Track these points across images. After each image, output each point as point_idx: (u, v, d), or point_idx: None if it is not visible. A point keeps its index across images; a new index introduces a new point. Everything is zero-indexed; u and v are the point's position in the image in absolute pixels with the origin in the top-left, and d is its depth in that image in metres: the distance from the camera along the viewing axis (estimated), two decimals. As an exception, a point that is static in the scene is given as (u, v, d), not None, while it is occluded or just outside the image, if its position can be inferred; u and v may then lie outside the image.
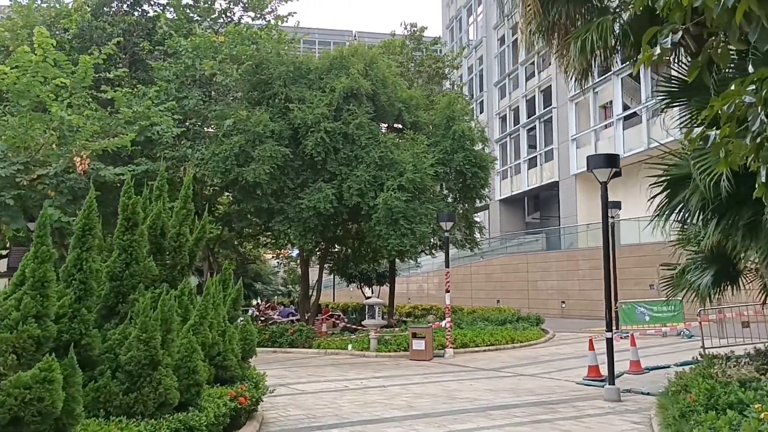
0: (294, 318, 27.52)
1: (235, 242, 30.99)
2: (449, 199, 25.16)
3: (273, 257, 48.77)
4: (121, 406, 6.16)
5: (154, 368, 6.30)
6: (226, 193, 25.01)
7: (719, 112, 3.77)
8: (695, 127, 8.10)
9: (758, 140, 3.70)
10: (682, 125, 9.14)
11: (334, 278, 43.92)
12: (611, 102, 38.72)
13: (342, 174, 20.98)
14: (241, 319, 9.69)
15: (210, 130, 22.78)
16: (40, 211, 6.24)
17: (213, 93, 23.48)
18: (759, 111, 3.60)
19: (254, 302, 47.22)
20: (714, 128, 4.03)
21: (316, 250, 26.36)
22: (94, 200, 6.48)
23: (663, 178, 8.85)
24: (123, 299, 6.93)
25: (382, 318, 22.13)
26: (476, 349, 20.00)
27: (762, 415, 6.22)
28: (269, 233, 23.25)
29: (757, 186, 3.90)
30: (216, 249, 30.12)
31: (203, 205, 25.48)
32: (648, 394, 11.70)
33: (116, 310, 6.92)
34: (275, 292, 51.76)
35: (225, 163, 20.35)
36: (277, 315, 31.91)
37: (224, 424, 7.70)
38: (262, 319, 29.27)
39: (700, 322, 14.71)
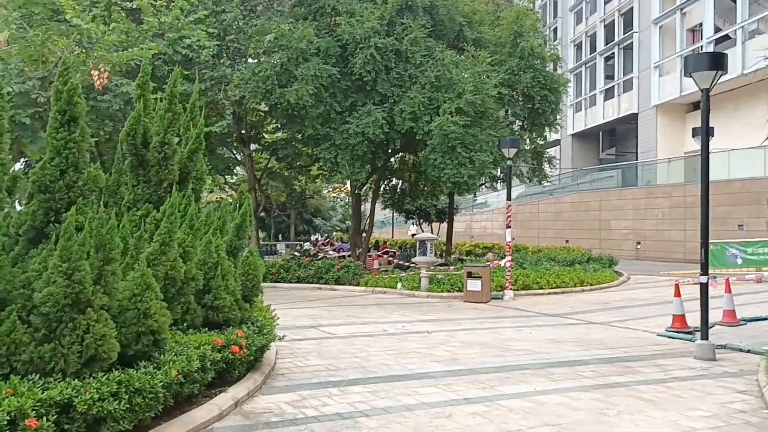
0: (344, 254, 25.98)
1: (285, 173, 29.45)
2: (515, 127, 22.70)
3: (328, 191, 47.49)
4: (33, 361, 4.51)
5: (80, 310, 4.61)
6: (271, 119, 23.26)
7: None
8: None
9: None
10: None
11: (393, 215, 42.23)
12: (701, 24, 34.83)
13: (394, 96, 18.85)
14: (246, 250, 7.95)
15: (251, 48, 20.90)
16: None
17: (256, 7, 21.44)
18: None
19: (313, 237, 46.29)
20: None
21: (368, 181, 24.52)
22: None
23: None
24: (56, 218, 5.23)
25: (436, 255, 20.24)
26: (539, 291, 17.92)
27: None
28: (320, 164, 21.56)
29: None
30: (264, 180, 28.71)
31: (249, 132, 23.97)
32: (749, 351, 9.51)
33: (46, 233, 5.24)
34: (334, 228, 50.73)
35: (266, 83, 18.49)
36: (333, 250, 30.50)
37: (203, 381, 6.02)
38: (313, 253, 27.89)
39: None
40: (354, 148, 18.59)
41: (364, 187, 26.19)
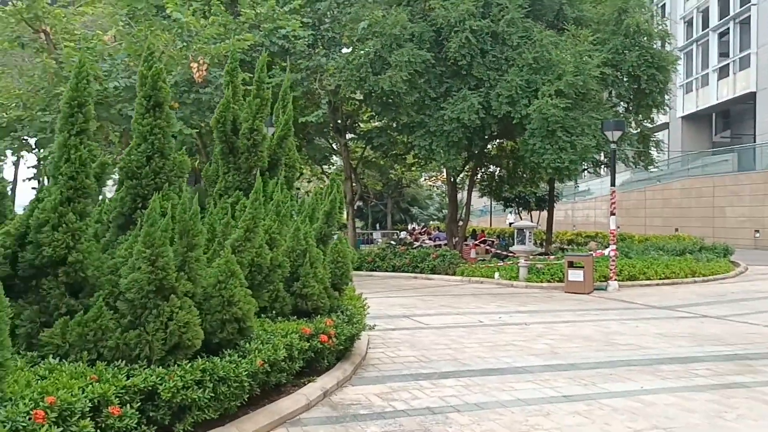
0: (441, 243, 25.65)
1: (381, 162, 29.41)
2: (619, 109, 21.56)
3: (425, 179, 47.23)
4: (118, 347, 4.49)
5: (164, 297, 4.55)
6: (366, 108, 23.19)
7: None
8: None
9: None
10: None
11: (491, 203, 41.46)
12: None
13: (490, 80, 18.28)
14: (335, 237, 7.80)
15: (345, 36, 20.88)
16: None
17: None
18: None
19: (409, 227, 46.25)
20: None
21: (464, 169, 24.05)
22: (87, 67, 4.71)
23: None
24: (143, 204, 5.22)
25: (535, 244, 19.56)
26: (647, 282, 16.93)
27: None
28: (414, 152, 21.32)
29: None
30: (360, 169, 28.79)
31: (344, 122, 24.03)
32: None
33: (134, 219, 5.24)
34: (431, 217, 50.48)
35: (360, 71, 18.39)
36: (430, 239, 30.24)
37: (290, 370, 5.90)
38: (409, 242, 27.74)
39: None
40: (449, 134, 18.19)
41: (461, 175, 25.73)
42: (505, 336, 9.75)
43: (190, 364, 4.64)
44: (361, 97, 20.93)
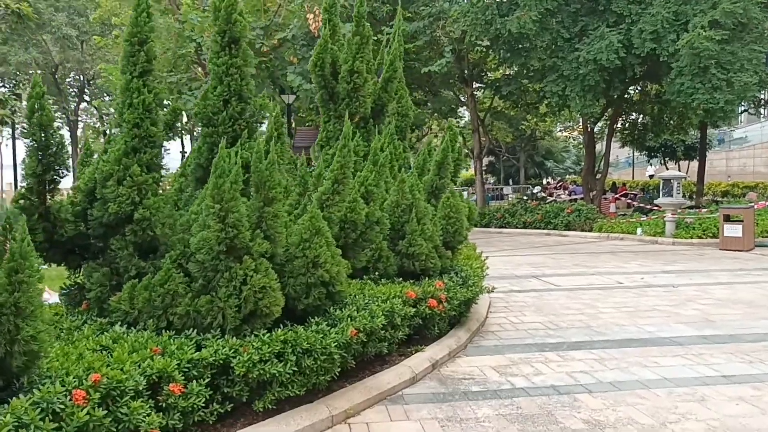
0: (577, 197, 24.02)
1: (511, 113, 27.91)
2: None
3: (560, 131, 44.87)
4: (189, 315, 3.98)
5: (236, 258, 3.98)
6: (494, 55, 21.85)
7: None
8: None
9: None
10: None
11: (633, 153, 38.67)
12: None
13: (631, 14, 16.41)
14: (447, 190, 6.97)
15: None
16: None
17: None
18: None
19: (544, 181, 44.36)
20: None
21: (602, 116, 22.19)
22: (146, 0, 4.15)
23: None
24: (220, 154, 4.66)
25: (684, 196, 17.66)
26: (820, 238, 14.74)
27: None
28: (547, 99, 19.81)
29: None
30: (488, 122, 27.49)
31: (470, 71, 22.83)
32: None
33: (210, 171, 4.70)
34: (567, 171, 48.12)
35: (485, 13, 17.17)
36: (567, 194, 28.57)
37: (392, 339, 5.23)
38: (541, 197, 26.28)
39: None
40: (584, 78, 16.60)
41: (599, 124, 23.85)
42: (649, 300, 8.56)
43: (268, 335, 4.06)
44: (488, 43, 19.67)
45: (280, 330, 4.14)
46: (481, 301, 7.60)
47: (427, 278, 6.20)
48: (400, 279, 6.06)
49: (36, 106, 3.87)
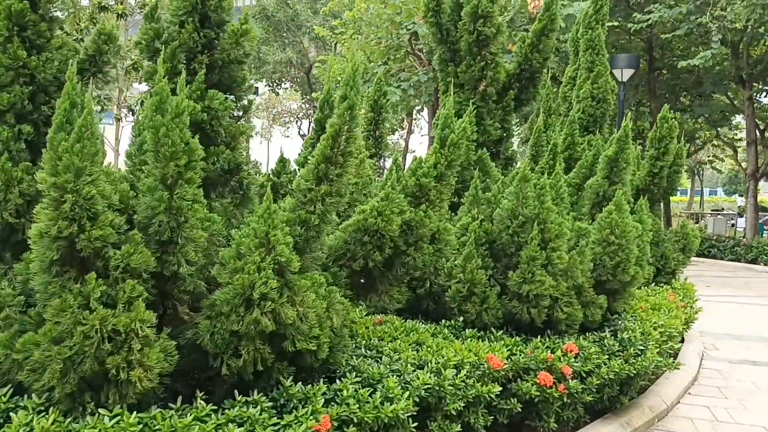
0: None
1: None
2: None
3: None
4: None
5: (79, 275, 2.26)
6: None
7: None
8: None
9: None
10: None
11: None
12: None
13: None
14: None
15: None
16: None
17: None
18: None
19: None
20: None
21: None
22: None
23: None
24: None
25: None
26: None
27: None
28: None
29: None
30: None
31: (750, 69, 18.49)
32: None
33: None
34: None
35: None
36: None
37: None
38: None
39: None
40: None
41: None
42: None
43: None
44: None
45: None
46: (673, 375, 5.00)
47: (551, 335, 3.90)
48: (504, 330, 3.85)
49: None
